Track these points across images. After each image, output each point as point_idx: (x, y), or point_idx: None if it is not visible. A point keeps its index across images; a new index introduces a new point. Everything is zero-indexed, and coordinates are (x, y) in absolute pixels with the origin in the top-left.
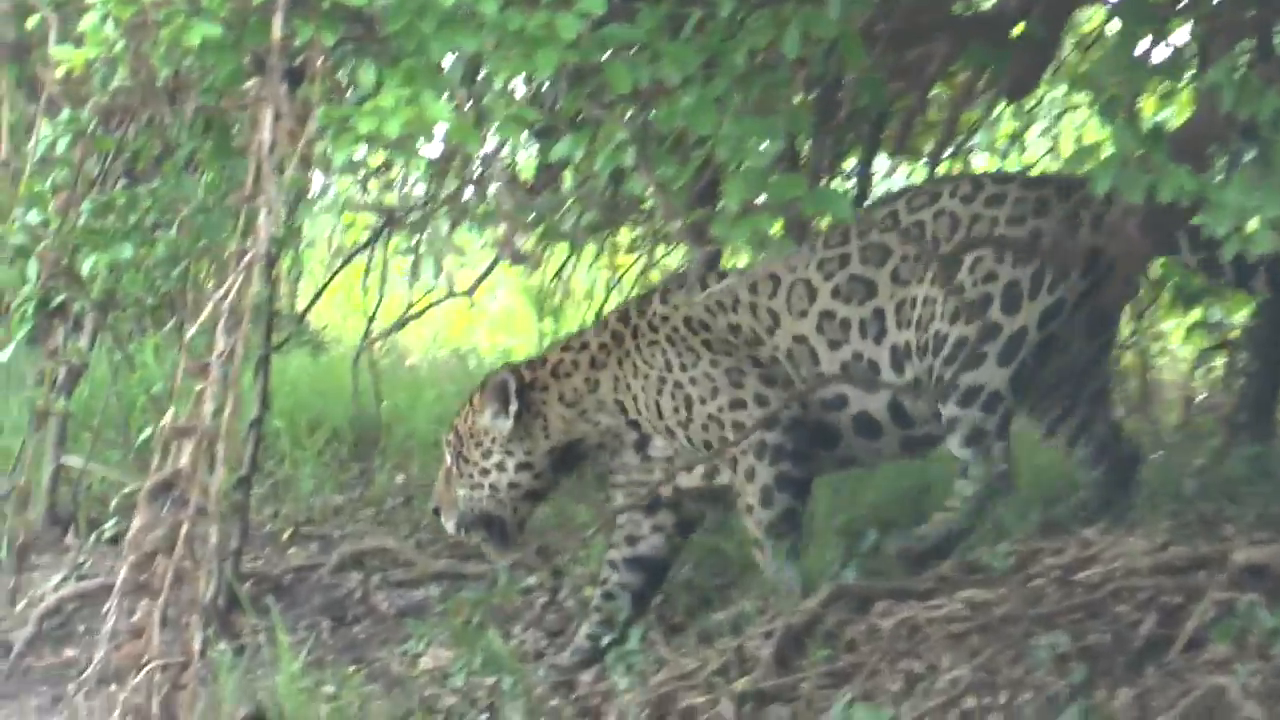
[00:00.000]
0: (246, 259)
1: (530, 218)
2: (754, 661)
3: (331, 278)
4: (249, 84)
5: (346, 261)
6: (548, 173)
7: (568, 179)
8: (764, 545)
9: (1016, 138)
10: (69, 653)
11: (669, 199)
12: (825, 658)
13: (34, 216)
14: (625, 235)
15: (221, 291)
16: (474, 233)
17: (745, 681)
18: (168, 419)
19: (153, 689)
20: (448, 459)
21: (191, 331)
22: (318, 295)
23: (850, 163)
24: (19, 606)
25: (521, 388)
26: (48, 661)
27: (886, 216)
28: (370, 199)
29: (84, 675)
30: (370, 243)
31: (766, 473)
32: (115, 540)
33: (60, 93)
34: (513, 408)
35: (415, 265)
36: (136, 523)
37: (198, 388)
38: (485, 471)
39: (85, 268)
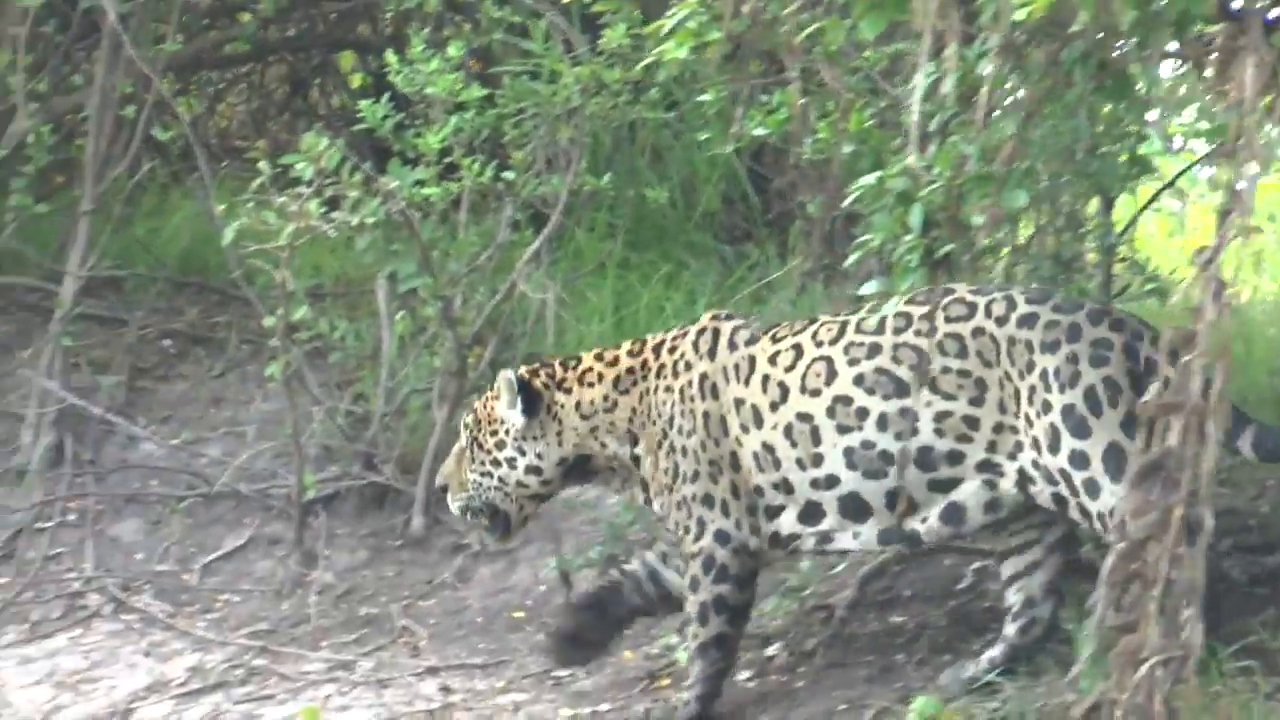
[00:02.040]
0: (1230, 218)
1: None
2: None
3: (1140, 211)
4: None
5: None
6: None
7: None
8: (692, 661)
9: None
10: (894, 619)
11: None
12: None
13: (916, 160)
14: None
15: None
16: None
17: None
18: (1151, 393)
19: (1153, 685)
20: (463, 439)
21: (1175, 299)
22: (1125, 229)
23: None
24: (839, 569)
25: (536, 388)
26: (872, 628)
27: (923, 318)
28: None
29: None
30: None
31: (709, 591)
32: None
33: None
34: (517, 405)
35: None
36: (1125, 506)
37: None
38: (496, 463)
39: (973, 216)
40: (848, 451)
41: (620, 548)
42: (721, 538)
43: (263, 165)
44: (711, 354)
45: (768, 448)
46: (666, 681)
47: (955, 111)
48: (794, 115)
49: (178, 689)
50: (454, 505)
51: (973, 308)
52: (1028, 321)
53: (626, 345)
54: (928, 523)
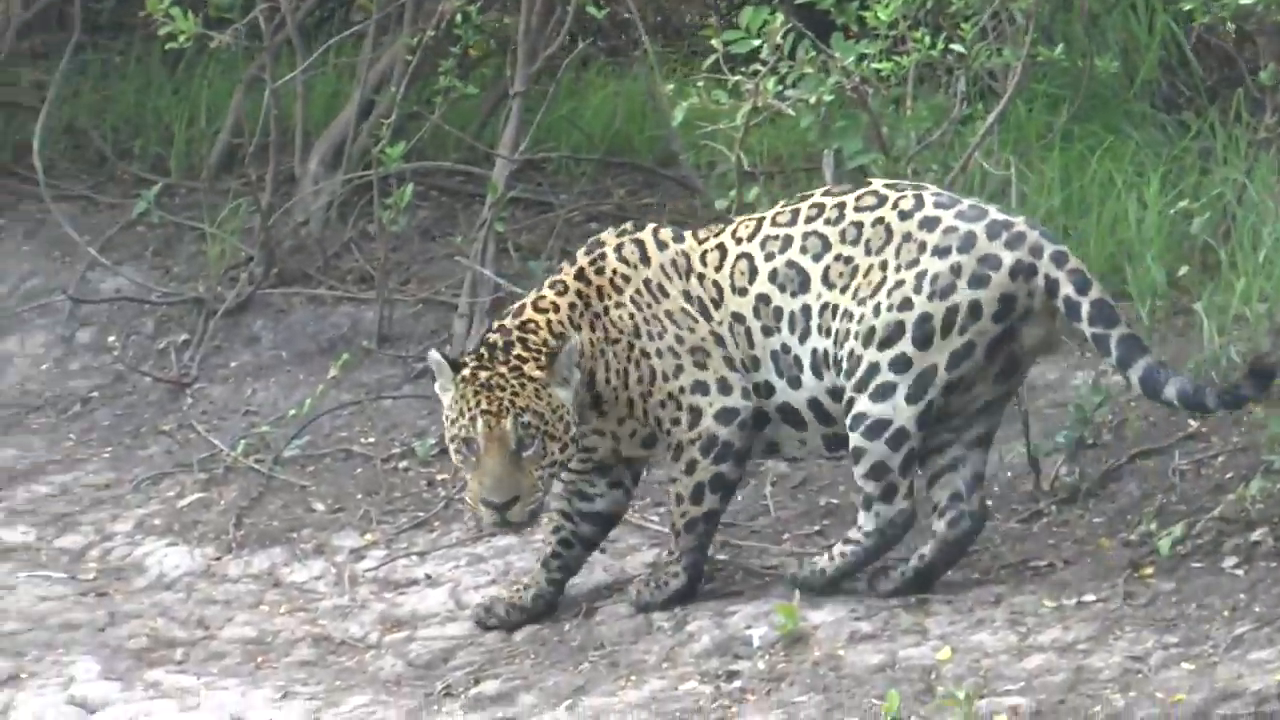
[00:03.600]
0: None
1: None
2: None
3: None
4: None
5: None
6: None
7: None
8: (680, 535)
9: None
10: None
11: None
12: None
13: None
14: None
15: None
16: None
17: None
18: None
19: None
20: (512, 440)
21: None
22: None
23: None
24: None
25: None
26: None
27: (835, 207)
28: None
29: None
30: None
31: (707, 470)
32: None
33: None
34: (576, 375)
35: None
36: None
37: None
38: (565, 447)
39: None
40: (774, 356)
41: (1089, 431)
42: (725, 416)
43: (715, 42)
44: (645, 260)
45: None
46: (1149, 570)
47: None
48: None
49: None
50: (526, 514)
51: (883, 200)
52: (929, 224)
53: (550, 291)
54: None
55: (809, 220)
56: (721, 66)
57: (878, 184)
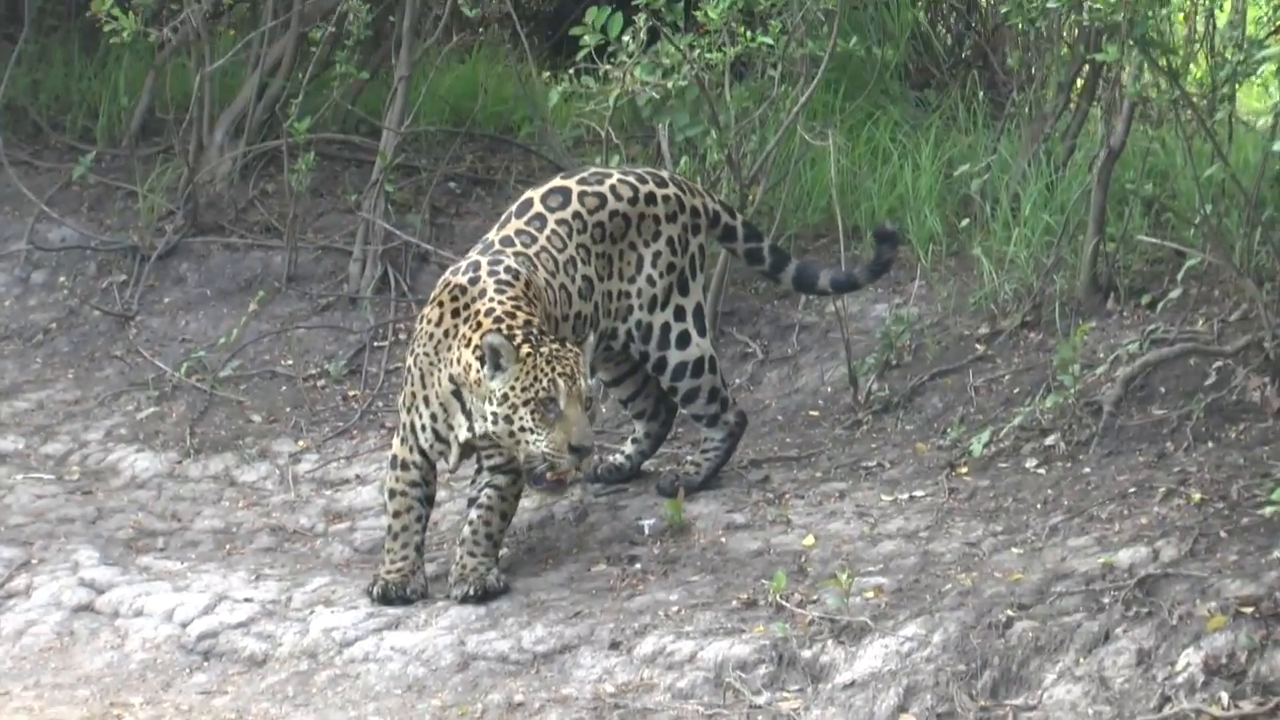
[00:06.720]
0: None
1: None
2: None
3: None
4: None
5: None
6: None
7: None
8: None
9: None
10: (1157, 412)
11: None
12: None
13: None
14: None
15: None
16: None
17: None
18: None
19: None
20: (586, 400)
21: None
22: None
23: None
24: (1100, 370)
25: None
26: (1138, 421)
27: (574, 217)
28: None
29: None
30: None
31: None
32: (1151, 306)
33: None
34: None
35: None
36: None
37: None
38: None
39: None
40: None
41: (894, 354)
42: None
43: (586, 39)
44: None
45: None
46: (964, 469)
47: None
48: None
49: None
50: (590, 464)
51: (602, 198)
52: (651, 199)
53: (501, 296)
54: None
55: (569, 238)
56: (594, 57)
57: (572, 184)
